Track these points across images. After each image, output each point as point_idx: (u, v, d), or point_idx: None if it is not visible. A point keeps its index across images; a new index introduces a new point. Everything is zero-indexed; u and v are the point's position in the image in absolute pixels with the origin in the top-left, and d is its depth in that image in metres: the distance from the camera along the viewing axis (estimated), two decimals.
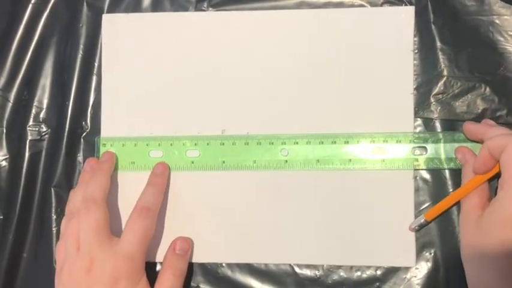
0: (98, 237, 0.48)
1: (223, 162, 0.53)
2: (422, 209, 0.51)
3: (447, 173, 0.51)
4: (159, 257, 0.53)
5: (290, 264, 0.52)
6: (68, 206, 0.52)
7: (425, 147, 0.51)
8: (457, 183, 0.51)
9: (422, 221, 0.50)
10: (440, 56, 0.52)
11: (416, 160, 0.51)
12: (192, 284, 0.53)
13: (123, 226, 0.51)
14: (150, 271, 0.51)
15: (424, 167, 0.51)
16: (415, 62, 0.52)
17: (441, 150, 0.51)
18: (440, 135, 0.51)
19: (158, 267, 0.53)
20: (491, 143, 0.45)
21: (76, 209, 0.50)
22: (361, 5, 0.54)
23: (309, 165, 0.52)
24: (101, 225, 0.49)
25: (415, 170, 0.51)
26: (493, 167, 0.46)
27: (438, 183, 0.51)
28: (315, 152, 0.52)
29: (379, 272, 0.51)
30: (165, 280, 0.49)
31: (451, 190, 0.51)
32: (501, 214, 0.43)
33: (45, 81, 0.56)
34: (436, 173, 0.51)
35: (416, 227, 0.50)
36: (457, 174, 0.51)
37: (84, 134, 0.56)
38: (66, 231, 0.50)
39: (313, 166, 0.52)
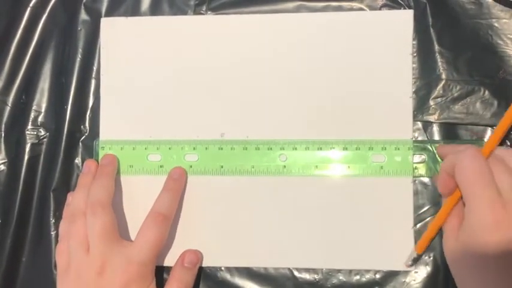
0: (107, 240, 0.49)
1: (222, 166, 0.53)
2: (421, 213, 0.51)
3: None
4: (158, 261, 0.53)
5: (289, 268, 0.52)
6: (68, 209, 0.52)
7: (424, 155, 0.51)
8: None
9: (415, 255, 0.50)
10: (439, 60, 0.52)
11: (415, 168, 0.51)
12: None
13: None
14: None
15: (423, 175, 0.51)
16: (414, 65, 0.52)
17: (439, 157, 0.51)
18: (439, 143, 0.51)
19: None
20: (444, 164, 0.46)
21: (78, 211, 0.50)
22: (360, 9, 0.53)
23: (308, 170, 0.52)
24: (109, 228, 0.49)
25: (414, 177, 0.51)
26: (455, 186, 0.45)
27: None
28: (313, 157, 0.52)
29: (378, 276, 0.51)
30: None
31: None
32: (469, 233, 0.42)
33: (44, 84, 0.56)
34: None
35: (410, 262, 0.50)
36: None
37: (82, 137, 0.55)
38: (69, 233, 0.50)
39: (311, 172, 0.52)
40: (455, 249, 0.44)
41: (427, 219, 0.51)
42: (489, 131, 0.51)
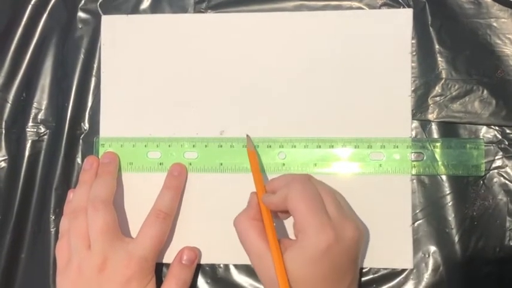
0: (109, 237, 0.49)
1: (221, 164, 0.53)
2: (419, 211, 0.51)
3: (444, 176, 0.51)
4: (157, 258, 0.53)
5: None
6: (69, 205, 0.52)
7: (422, 153, 0.51)
8: (453, 186, 0.51)
9: None
10: (438, 59, 0.52)
11: (413, 166, 0.51)
12: (190, 285, 0.53)
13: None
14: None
15: (421, 173, 0.51)
16: (413, 64, 0.52)
17: (438, 156, 0.51)
18: (437, 142, 0.51)
19: None
20: (275, 198, 0.47)
21: (80, 208, 0.51)
22: (360, 8, 0.54)
23: (306, 168, 0.52)
24: (111, 225, 0.49)
25: (412, 175, 0.51)
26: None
27: (435, 185, 0.51)
28: (312, 155, 0.52)
29: (376, 274, 0.51)
30: None
31: (447, 192, 0.51)
32: (303, 255, 0.44)
33: (44, 82, 0.56)
34: (433, 175, 0.51)
35: None
36: (453, 177, 0.51)
37: (83, 135, 0.56)
38: (70, 230, 0.50)
39: (310, 170, 0.52)
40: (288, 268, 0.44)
41: (425, 217, 0.51)
42: (485, 130, 0.52)
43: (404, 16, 0.53)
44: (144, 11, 0.56)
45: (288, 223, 0.50)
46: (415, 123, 0.52)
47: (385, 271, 0.51)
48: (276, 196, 0.47)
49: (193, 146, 0.54)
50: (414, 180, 0.52)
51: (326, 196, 0.46)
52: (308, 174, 0.49)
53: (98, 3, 0.56)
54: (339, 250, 0.44)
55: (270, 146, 0.53)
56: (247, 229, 0.47)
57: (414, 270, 0.51)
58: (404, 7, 0.53)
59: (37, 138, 0.56)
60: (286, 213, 0.46)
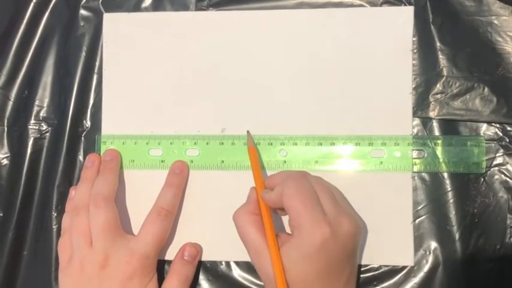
0: (111, 234, 0.49)
1: (222, 161, 0.53)
2: (420, 208, 0.51)
3: (445, 173, 0.51)
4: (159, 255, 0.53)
5: None
6: (71, 202, 0.53)
7: (423, 151, 0.52)
8: (454, 183, 0.51)
9: None
10: (439, 56, 0.52)
11: (414, 163, 0.51)
12: (192, 282, 0.53)
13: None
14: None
15: (422, 170, 0.51)
16: (414, 62, 0.52)
17: (439, 153, 0.51)
18: (438, 139, 0.51)
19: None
20: (273, 195, 0.47)
21: (81, 204, 0.51)
22: (361, 5, 0.54)
23: (308, 166, 0.52)
24: (112, 222, 0.50)
25: (413, 172, 0.52)
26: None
27: (436, 183, 0.52)
28: (313, 153, 0.52)
29: (377, 271, 0.52)
30: (170, 285, 0.50)
31: (448, 189, 0.51)
32: (299, 251, 0.44)
33: (46, 79, 0.57)
34: (434, 172, 0.52)
35: None
36: (454, 174, 0.51)
37: (84, 132, 0.56)
38: (72, 227, 0.51)
39: (311, 167, 0.52)
40: (285, 264, 0.45)
41: (426, 214, 0.51)
42: (486, 127, 0.52)
43: (406, 14, 0.53)
44: (146, 9, 0.56)
45: (287, 218, 0.50)
46: (416, 121, 0.52)
47: (386, 268, 0.51)
48: (273, 193, 0.47)
49: (195, 143, 0.54)
50: (415, 178, 0.52)
51: (321, 192, 0.46)
52: (304, 171, 0.49)
53: (100, 1, 0.56)
54: (335, 245, 0.44)
55: (271, 144, 0.53)
56: (246, 224, 0.47)
57: (415, 268, 0.51)
58: (405, 5, 0.53)
59: (39, 135, 0.56)
60: (284, 210, 0.46)
